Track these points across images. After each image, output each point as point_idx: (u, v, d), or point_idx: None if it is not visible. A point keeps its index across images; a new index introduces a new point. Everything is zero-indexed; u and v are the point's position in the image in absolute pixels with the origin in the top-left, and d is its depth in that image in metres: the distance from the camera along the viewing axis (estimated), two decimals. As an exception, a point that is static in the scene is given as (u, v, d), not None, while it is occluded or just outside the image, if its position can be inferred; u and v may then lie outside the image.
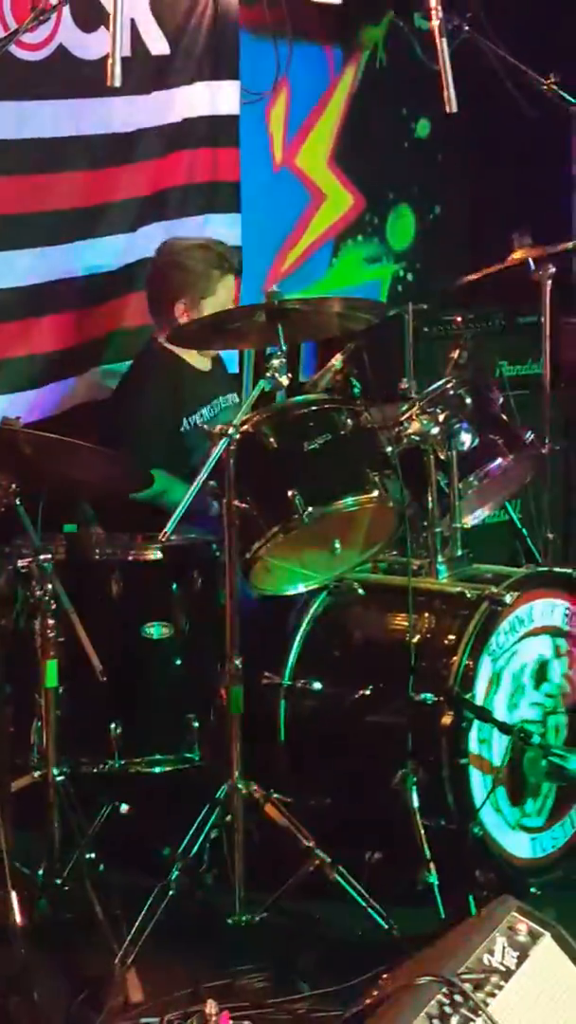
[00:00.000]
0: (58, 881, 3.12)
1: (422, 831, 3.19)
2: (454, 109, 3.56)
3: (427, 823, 3.20)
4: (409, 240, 5.55)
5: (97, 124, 4.21)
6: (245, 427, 3.21)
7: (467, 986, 1.91)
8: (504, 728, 3.23)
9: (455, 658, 3.28)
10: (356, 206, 5.38)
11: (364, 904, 3.08)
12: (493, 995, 1.88)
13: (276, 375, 3.20)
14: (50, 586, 3.15)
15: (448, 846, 3.19)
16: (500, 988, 1.92)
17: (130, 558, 3.36)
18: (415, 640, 3.33)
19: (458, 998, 1.89)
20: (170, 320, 3.97)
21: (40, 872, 3.14)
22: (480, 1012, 1.85)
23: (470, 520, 3.71)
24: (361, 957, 3.00)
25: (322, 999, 2.90)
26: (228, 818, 3.13)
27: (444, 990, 1.91)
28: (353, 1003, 1.94)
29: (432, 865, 3.15)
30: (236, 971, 3.00)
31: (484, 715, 3.22)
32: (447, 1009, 1.88)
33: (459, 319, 4.59)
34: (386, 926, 3.06)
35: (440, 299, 4.81)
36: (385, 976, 2.02)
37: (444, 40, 3.51)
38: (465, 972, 1.94)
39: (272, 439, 3.28)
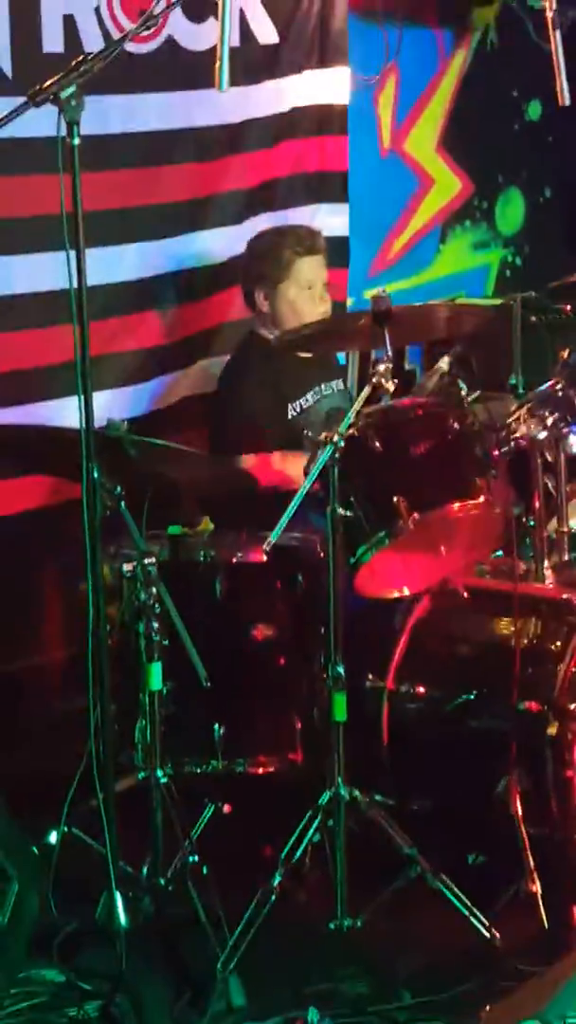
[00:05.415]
0: (161, 881, 3.15)
1: (526, 840, 3.16)
2: (566, 102, 3.51)
3: (531, 831, 3.18)
4: (518, 224, 5.46)
5: (206, 116, 4.20)
6: (351, 431, 3.19)
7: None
8: (611, 738, 3.19)
9: (562, 665, 3.24)
10: (464, 191, 5.30)
11: (466, 912, 3.07)
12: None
13: (382, 380, 3.18)
14: (154, 589, 3.17)
15: (552, 856, 3.16)
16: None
17: (235, 560, 3.37)
18: (521, 646, 3.29)
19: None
20: (257, 310, 3.94)
21: (144, 872, 3.17)
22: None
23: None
24: (462, 966, 3.00)
25: (423, 1007, 2.90)
26: (330, 823, 3.13)
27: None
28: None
29: (535, 875, 3.13)
30: (337, 976, 3.01)
31: (590, 725, 3.18)
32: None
33: (569, 308, 4.50)
34: (488, 935, 3.05)
35: (549, 288, 4.72)
36: (489, 1009, 2.00)
37: (557, 32, 3.44)
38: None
39: (378, 443, 3.25)
